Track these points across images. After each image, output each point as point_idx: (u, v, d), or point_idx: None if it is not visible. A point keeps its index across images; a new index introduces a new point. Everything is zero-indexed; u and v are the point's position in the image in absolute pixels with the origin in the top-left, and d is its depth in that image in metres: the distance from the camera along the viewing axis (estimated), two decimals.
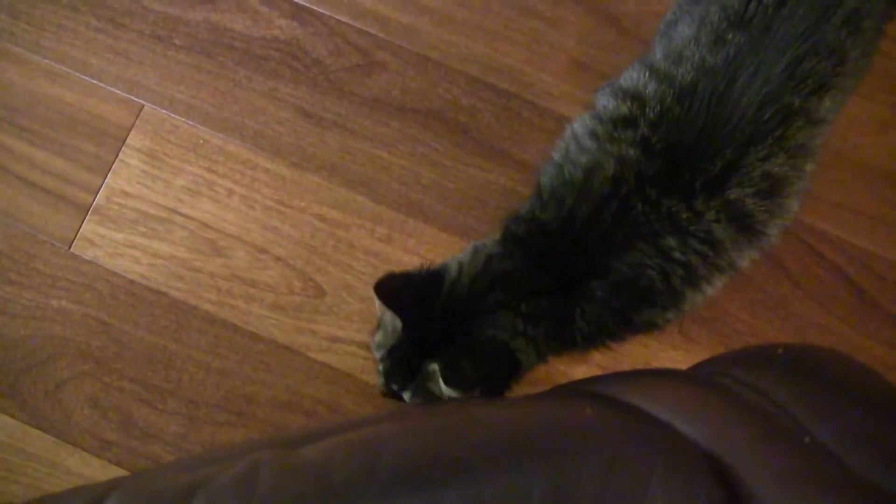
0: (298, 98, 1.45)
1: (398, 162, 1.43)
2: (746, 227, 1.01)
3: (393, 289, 1.08)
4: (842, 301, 1.39)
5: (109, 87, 1.43)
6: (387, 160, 1.43)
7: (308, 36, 1.47)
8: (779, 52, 0.96)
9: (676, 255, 0.98)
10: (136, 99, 1.43)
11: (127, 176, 1.40)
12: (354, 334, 1.37)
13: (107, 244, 1.38)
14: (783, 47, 0.96)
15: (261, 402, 1.35)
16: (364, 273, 1.38)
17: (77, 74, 1.43)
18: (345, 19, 1.48)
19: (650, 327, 1.07)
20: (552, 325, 1.02)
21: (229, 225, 1.39)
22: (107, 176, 1.40)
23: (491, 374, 1.02)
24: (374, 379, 1.35)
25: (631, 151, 0.98)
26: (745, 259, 1.05)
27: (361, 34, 1.48)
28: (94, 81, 1.43)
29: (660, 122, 0.98)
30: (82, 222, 1.38)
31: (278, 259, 1.39)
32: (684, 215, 0.97)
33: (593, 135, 1.04)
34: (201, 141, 1.42)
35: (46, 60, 1.44)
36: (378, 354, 1.11)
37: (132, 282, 1.37)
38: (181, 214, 1.39)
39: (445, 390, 0.99)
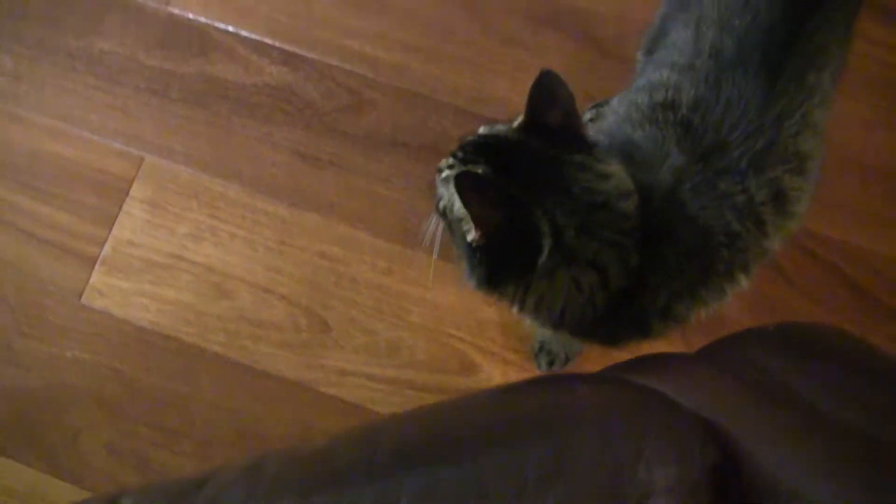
0: (293, 141, 1.59)
1: (394, 196, 1.57)
2: (782, 207, 1.10)
3: (550, 93, 1.03)
4: (840, 299, 1.49)
5: (110, 142, 1.58)
6: (383, 195, 1.57)
7: (299, 80, 1.63)
8: (790, 32, 1.09)
9: (735, 227, 1.06)
10: (135, 152, 1.57)
11: (131, 226, 1.54)
12: (362, 367, 1.49)
13: (115, 293, 1.51)
14: (793, 26, 1.09)
15: (273, 437, 1.47)
16: (367, 306, 1.51)
17: (78, 131, 1.58)
18: (334, 62, 1.63)
19: (677, 322, 1.11)
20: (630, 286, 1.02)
21: (233, 268, 1.53)
22: (112, 227, 1.54)
23: (500, 226, 0.99)
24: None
25: (674, 131, 1.08)
26: (776, 244, 1.13)
27: (351, 75, 1.62)
28: (95, 137, 1.58)
29: (697, 105, 1.09)
30: (91, 273, 1.51)
31: (283, 298, 1.52)
32: (740, 198, 1.06)
33: (629, 119, 1.14)
34: (201, 188, 1.55)
35: (48, 119, 1.58)
36: (482, 129, 1.09)
37: (142, 328, 1.50)
38: (186, 260, 1.53)
39: (447, 192, 1.01)
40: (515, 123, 1.06)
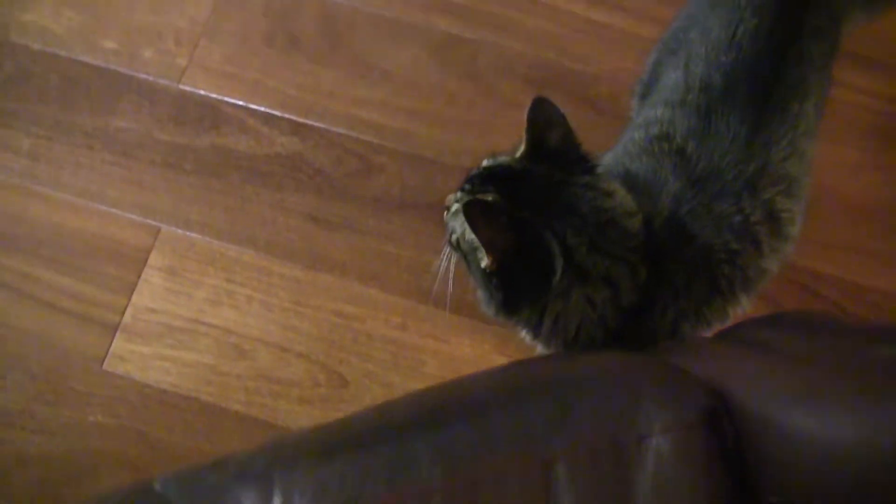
0: (305, 206, 1.68)
1: (405, 254, 1.66)
2: (777, 228, 1.19)
3: (546, 117, 1.12)
4: None
5: (127, 214, 1.67)
6: (394, 253, 1.66)
7: (309, 149, 1.73)
8: (773, 64, 1.20)
9: (734, 245, 1.14)
10: (152, 223, 1.67)
11: (150, 294, 1.63)
12: None
13: (136, 358, 1.58)
14: (774, 59, 1.21)
15: None
16: (383, 360, 1.58)
17: (96, 205, 1.68)
18: (341, 130, 1.75)
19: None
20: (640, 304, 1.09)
21: (251, 329, 1.60)
22: (131, 296, 1.62)
23: (511, 251, 1.06)
24: None
25: (669, 160, 1.18)
26: (773, 266, 1.21)
27: (358, 142, 1.73)
28: (113, 210, 1.67)
29: (690, 135, 1.19)
30: (112, 340, 1.58)
31: (300, 355, 1.59)
32: (736, 218, 1.15)
33: (626, 154, 1.25)
34: (218, 254, 1.64)
35: (67, 196, 1.68)
36: (485, 161, 1.18)
37: (164, 391, 1.56)
38: (204, 324, 1.61)
39: (458, 224, 1.10)
40: (518, 153, 1.15)
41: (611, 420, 0.69)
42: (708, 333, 1.18)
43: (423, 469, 0.67)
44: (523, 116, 1.73)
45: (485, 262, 1.08)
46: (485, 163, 1.18)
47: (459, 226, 1.13)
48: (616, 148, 1.31)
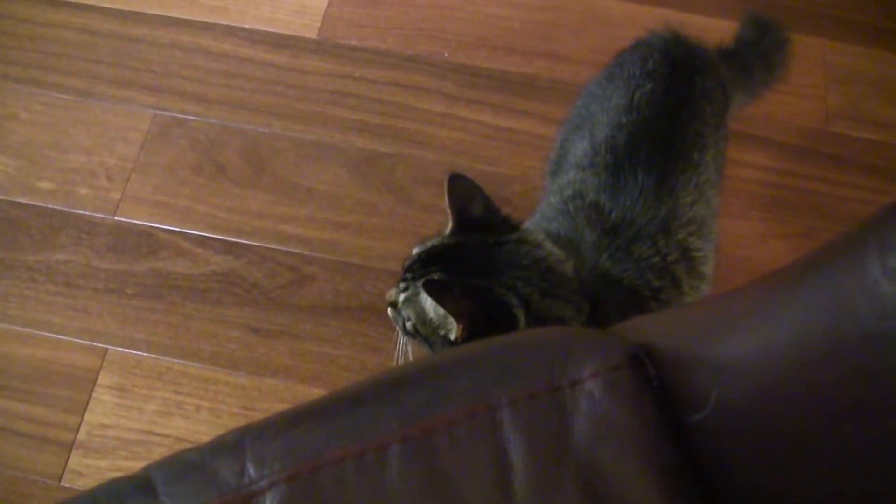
0: (244, 317, 2.00)
1: (343, 353, 1.96)
2: (692, 267, 1.42)
3: (464, 192, 1.33)
4: None
5: (74, 339, 1.96)
6: (333, 355, 1.96)
7: (243, 265, 2.06)
8: (670, 121, 1.45)
9: (656, 283, 1.37)
10: (99, 345, 1.96)
11: (102, 411, 1.90)
12: None
13: (94, 472, 1.84)
14: (671, 116, 1.46)
15: None
16: None
17: (44, 334, 1.97)
18: (272, 245, 2.08)
19: None
20: None
21: (202, 435, 1.87)
22: (84, 414, 1.89)
23: (476, 314, 1.23)
24: None
25: (583, 215, 1.41)
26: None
27: (290, 255, 2.07)
28: (60, 337, 1.97)
29: (602, 190, 1.42)
30: (68, 458, 1.85)
31: None
32: (655, 259, 1.38)
33: (543, 217, 1.48)
34: (164, 369, 1.93)
35: (15, 327, 1.98)
36: (416, 249, 1.38)
37: None
38: (157, 434, 1.88)
39: (413, 309, 1.29)
40: (447, 231, 1.41)
41: (546, 370, 0.87)
42: None
43: (382, 425, 0.86)
44: (442, 219, 2.11)
45: (454, 333, 1.27)
46: (416, 250, 1.43)
47: (414, 311, 1.35)
48: (534, 216, 1.58)
